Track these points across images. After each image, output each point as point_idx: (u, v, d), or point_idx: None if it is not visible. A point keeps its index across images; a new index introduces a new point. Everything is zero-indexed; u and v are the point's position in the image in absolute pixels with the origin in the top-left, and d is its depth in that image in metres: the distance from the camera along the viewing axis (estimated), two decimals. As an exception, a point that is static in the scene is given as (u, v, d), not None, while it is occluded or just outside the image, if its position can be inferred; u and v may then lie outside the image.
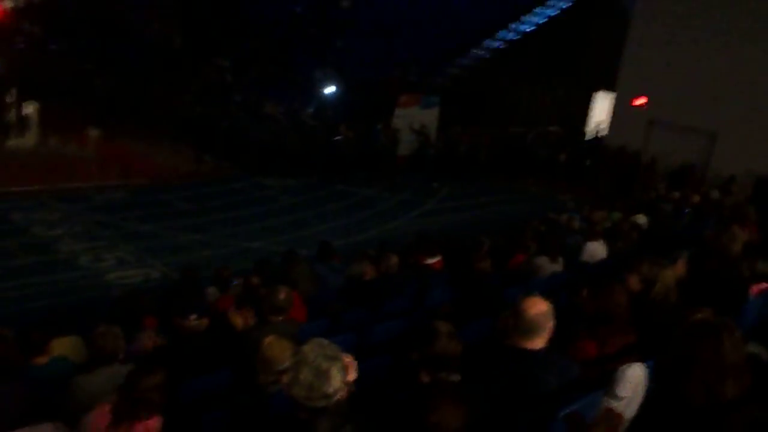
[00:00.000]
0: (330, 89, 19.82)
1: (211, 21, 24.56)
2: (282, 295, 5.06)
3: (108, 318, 6.03)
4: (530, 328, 3.10)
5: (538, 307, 3.14)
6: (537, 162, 19.32)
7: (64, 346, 5.27)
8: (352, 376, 2.66)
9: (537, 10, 23.49)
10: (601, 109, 21.64)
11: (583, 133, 21.91)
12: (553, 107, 24.39)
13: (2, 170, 14.15)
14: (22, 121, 18.39)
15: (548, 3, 23.59)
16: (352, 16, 24.42)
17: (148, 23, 24.75)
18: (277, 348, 3.86)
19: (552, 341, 3.30)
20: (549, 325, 3.14)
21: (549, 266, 7.55)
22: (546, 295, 5.46)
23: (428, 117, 19.14)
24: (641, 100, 18.04)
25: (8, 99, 19.26)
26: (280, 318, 4.97)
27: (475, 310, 5.74)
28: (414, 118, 18.75)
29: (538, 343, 3.11)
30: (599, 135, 20.72)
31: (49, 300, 9.05)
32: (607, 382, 3.20)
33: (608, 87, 20.39)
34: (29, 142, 17.27)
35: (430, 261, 8.11)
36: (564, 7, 23.45)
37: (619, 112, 19.03)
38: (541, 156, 19.51)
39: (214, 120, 17.68)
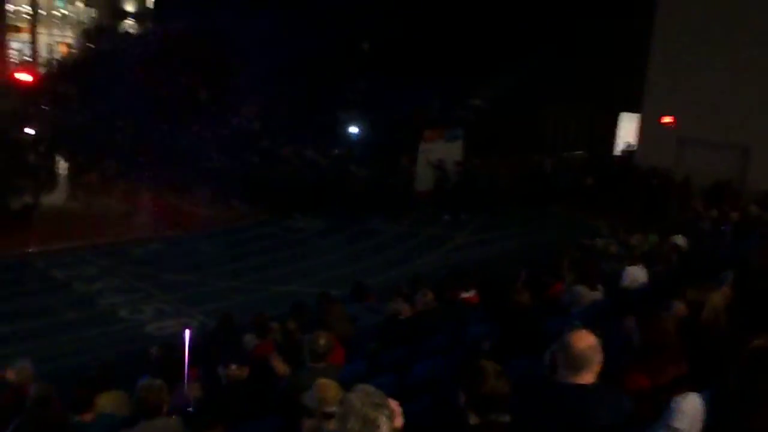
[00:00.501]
0: (355, 129, 20.01)
1: (235, 71, 25.13)
2: (322, 341, 5.02)
3: (150, 371, 6.06)
4: (579, 363, 3.01)
5: (586, 341, 3.05)
6: (561, 188, 19.19)
7: (109, 402, 5.29)
8: (398, 422, 2.62)
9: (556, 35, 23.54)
10: (628, 130, 21.49)
11: (610, 156, 21.73)
12: (578, 131, 24.30)
13: (42, 228, 14.46)
14: (58, 179, 18.86)
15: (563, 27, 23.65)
16: (373, 56, 24.81)
17: (174, 79, 25.38)
18: (332, 390, 3.84)
19: (600, 373, 3.22)
20: (598, 358, 3.05)
21: (589, 295, 7.39)
22: (588, 324, 5.36)
23: (453, 150, 19.14)
24: (669, 119, 17.87)
25: (44, 157, 19.83)
26: (321, 364, 4.93)
27: (516, 345, 5.64)
28: (439, 152, 18.76)
29: (588, 377, 3.02)
30: (628, 155, 20.54)
31: (92, 354, 9.12)
32: (661, 414, 3.09)
33: (633, 107, 20.27)
34: (65, 199, 17.65)
35: (466, 295, 8.03)
36: (580, 30, 23.48)
37: (647, 132, 18.88)
38: (563, 182, 19.38)
39: (241, 167, 17.93)
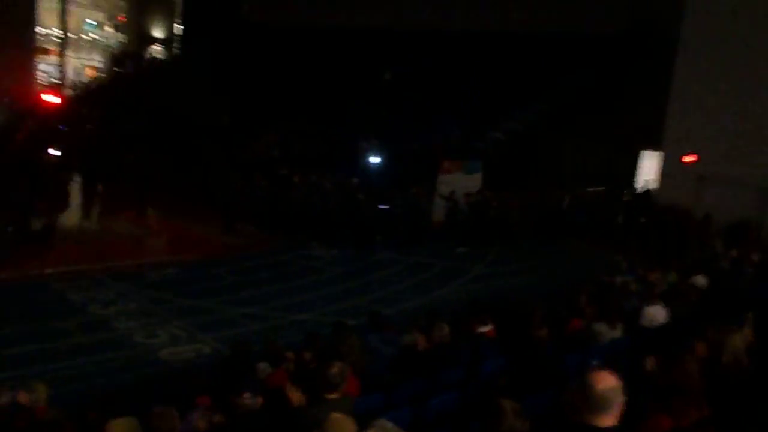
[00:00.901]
0: (374, 159, 20.09)
1: (258, 98, 25.47)
2: (335, 371, 4.97)
3: (162, 397, 6.03)
4: (600, 405, 2.92)
5: (607, 382, 2.97)
6: (577, 224, 19.09)
7: (120, 429, 5.24)
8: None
9: (577, 72, 23.62)
10: (649, 167, 21.40)
11: (630, 193, 21.62)
12: (598, 167, 24.19)
13: (59, 251, 14.59)
14: (77, 201, 19.08)
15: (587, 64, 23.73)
16: (395, 86, 25.04)
17: (197, 103, 25.77)
18: (346, 425, 3.79)
19: (621, 415, 3.14)
20: (620, 400, 2.97)
21: (608, 332, 7.31)
22: (608, 363, 5.27)
23: (471, 182, 19.13)
24: (691, 157, 17.78)
25: (65, 179, 20.09)
26: (335, 395, 4.87)
27: (533, 381, 5.56)
28: (457, 184, 18.75)
29: (609, 420, 2.93)
30: (647, 191, 20.43)
31: (105, 378, 9.12)
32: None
33: (654, 144, 20.20)
34: (83, 221, 17.83)
35: (483, 329, 7.95)
36: (601, 67, 23.55)
37: (667, 169, 18.76)
38: (581, 217, 19.29)
39: (260, 193, 18.03)
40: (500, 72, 23.86)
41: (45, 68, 38.30)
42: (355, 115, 23.45)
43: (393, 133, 21.76)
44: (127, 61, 35.27)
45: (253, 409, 4.91)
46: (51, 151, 20.91)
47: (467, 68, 24.59)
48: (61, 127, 25.41)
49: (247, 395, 4.95)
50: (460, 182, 18.88)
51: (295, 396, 5.17)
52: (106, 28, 43.31)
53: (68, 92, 34.33)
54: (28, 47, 34.00)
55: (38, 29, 35.61)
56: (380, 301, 12.88)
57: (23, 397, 5.78)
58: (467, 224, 18.22)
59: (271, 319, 11.90)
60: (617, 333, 7.42)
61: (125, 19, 40.28)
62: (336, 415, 3.79)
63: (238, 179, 18.34)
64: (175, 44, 37.99)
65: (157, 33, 38.48)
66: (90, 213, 18.63)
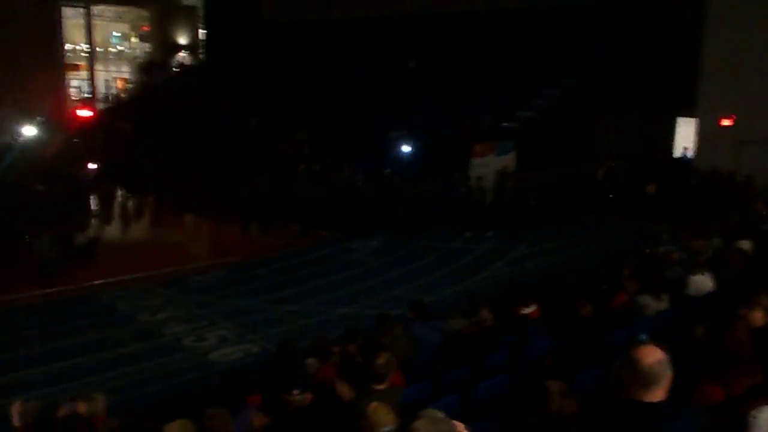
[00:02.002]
0: (405, 148, 20.07)
1: (285, 97, 25.62)
2: (381, 361, 5.01)
3: (213, 399, 6.14)
4: (648, 380, 2.88)
5: (654, 356, 2.93)
6: (616, 196, 18.79)
7: (176, 431, 5.36)
8: (467, 446, 2.58)
9: (603, 41, 23.16)
10: (686, 134, 20.94)
11: (667, 161, 21.20)
12: (633, 137, 23.78)
13: (105, 263, 14.93)
14: (118, 212, 19.50)
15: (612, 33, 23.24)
16: (420, 73, 24.91)
17: (226, 108, 26.04)
18: (382, 412, 3.83)
19: (672, 387, 3.10)
20: (668, 374, 2.93)
21: (654, 304, 7.19)
22: (656, 335, 5.21)
23: (505, 163, 18.98)
24: (728, 121, 17.36)
25: (105, 192, 20.56)
26: (383, 386, 4.91)
27: (580, 359, 5.52)
28: (490, 167, 18.63)
29: (659, 394, 2.89)
30: (686, 158, 20.03)
31: (158, 384, 9.33)
32: (738, 428, 2.97)
33: (689, 110, 19.76)
34: (126, 231, 18.21)
35: (527, 311, 7.90)
36: (629, 35, 23.05)
37: (704, 135, 18.35)
38: (618, 190, 18.97)
39: (294, 191, 18.17)
40: (526, 50, 23.55)
41: (76, 83, 39.20)
42: (383, 106, 23.42)
43: (422, 121, 21.68)
44: (154, 70, 35.79)
45: (304, 406, 4.97)
46: (89, 165, 21.40)
47: (492, 49, 24.31)
48: (98, 141, 25.93)
49: (296, 392, 5.02)
50: (493, 164, 18.74)
51: (345, 390, 5.22)
52: (132, 39, 44.08)
53: (100, 105, 35.02)
54: (58, 64, 34.79)
55: (66, 46, 36.40)
56: (422, 289, 12.90)
57: (82, 408, 5.94)
58: (481, 207, 17.97)
59: (316, 315, 12.02)
60: (663, 304, 7.31)
61: (149, 29, 40.87)
62: (375, 404, 3.82)
63: (268, 179, 18.49)
64: (200, 50, 38.41)
65: (182, 40, 38.94)
66: (131, 223, 19.01)
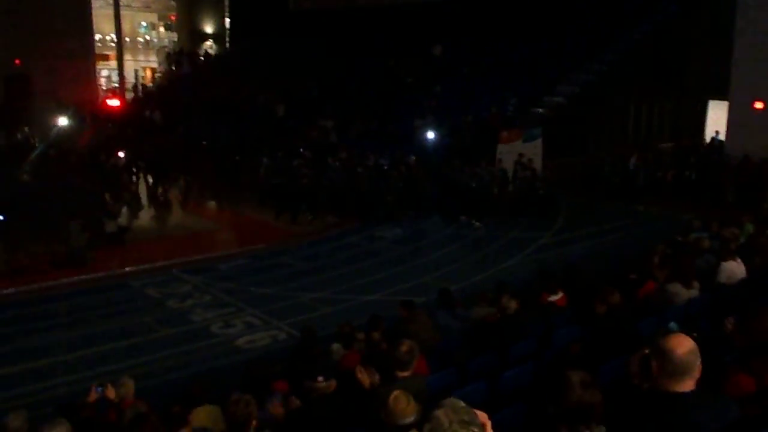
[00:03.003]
0: (431, 135, 19.95)
1: (311, 87, 25.62)
2: (405, 348, 4.98)
3: (240, 385, 6.20)
4: (680, 371, 2.80)
5: (686, 346, 2.85)
6: (646, 183, 18.51)
7: (203, 417, 5.43)
8: (488, 435, 2.53)
9: (634, 26, 22.74)
10: (717, 118, 20.53)
11: (699, 146, 20.82)
12: (664, 122, 23.41)
13: (134, 250, 15.14)
14: (148, 200, 19.74)
15: (645, 17, 22.79)
16: (446, 60, 24.72)
17: (253, 98, 26.14)
18: (403, 402, 3.81)
19: (701, 378, 3.03)
20: (698, 363, 2.86)
21: (684, 293, 7.07)
22: (686, 324, 5.12)
23: (532, 150, 18.76)
24: (761, 104, 16.97)
25: (134, 180, 20.83)
26: (407, 373, 4.89)
27: (607, 349, 5.45)
28: (517, 153, 18.43)
29: (689, 384, 2.82)
30: (718, 143, 19.64)
31: (186, 370, 9.45)
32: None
33: (720, 94, 19.36)
34: (155, 219, 18.43)
35: (554, 298, 7.83)
36: (661, 19, 22.58)
37: (736, 119, 17.96)
38: (648, 176, 18.67)
39: (319, 178, 18.20)
40: (554, 35, 23.23)
41: (105, 73, 39.69)
42: (408, 93, 23.31)
43: (448, 108, 21.54)
44: (182, 59, 36.04)
45: (328, 392, 4.99)
46: (119, 153, 21.66)
47: (519, 34, 24.02)
48: (127, 130, 26.24)
49: (320, 379, 5.03)
50: (520, 151, 18.54)
51: (366, 378, 5.22)
52: (160, 29, 44.43)
53: (129, 95, 35.41)
54: (89, 55, 35.25)
55: (96, 36, 36.86)
56: (447, 277, 12.86)
57: (111, 393, 6.04)
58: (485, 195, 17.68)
59: (341, 302, 12.06)
60: (694, 292, 7.18)
61: (177, 19, 41.13)
62: (396, 393, 3.80)
63: (295, 167, 18.55)
64: (226, 39, 38.57)
65: (209, 29, 39.11)
66: (160, 210, 19.23)
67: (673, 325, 5.38)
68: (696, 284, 7.31)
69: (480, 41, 24.76)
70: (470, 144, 19.51)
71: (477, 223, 16.76)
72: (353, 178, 18.11)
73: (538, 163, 18.71)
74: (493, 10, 25.54)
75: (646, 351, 2.97)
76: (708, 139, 20.92)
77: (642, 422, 2.81)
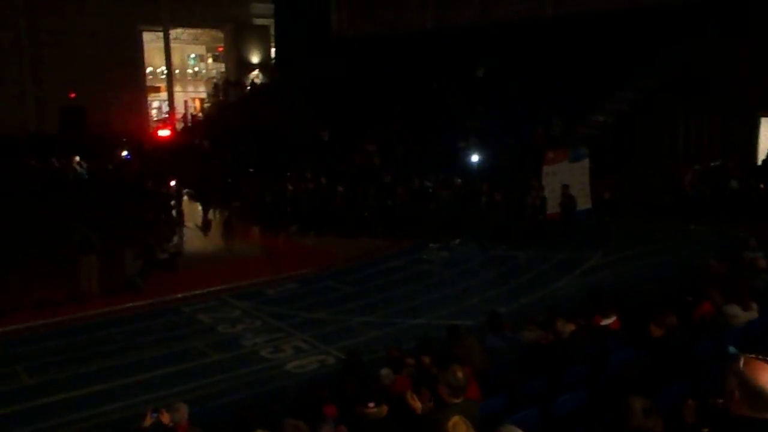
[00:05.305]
0: (475, 156, 19.92)
1: (355, 109, 25.91)
2: (459, 374, 4.95)
3: (291, 410, 6.23)
4: (764, 398, 2.75)
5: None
6: (700, 201, 18.07)
7: (255, 442, 5.46)
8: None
9: (681, 42, 22.35)
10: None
11: (752, 162, 20.27)
12: (715, 139, 22.88)
13: (185, 276, 15.43)
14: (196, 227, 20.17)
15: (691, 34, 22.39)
16: (489, 81, 24.72)
17: (299, 125, 26.55)
18: (462, 428, 3.79)
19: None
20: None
21: (742, 315, 6.86)
22: (745, 348, 4.95)
23: (578, 170, 18.51)
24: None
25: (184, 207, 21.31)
26: (459, 399, 4.86)
27: (665, 372, 5.32)
28: (563, 174, 18.18)
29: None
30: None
31: (237, 394, 9.53)
32: None
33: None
34: (204, 245, 18.78)
35: (606, 322, 7.68)
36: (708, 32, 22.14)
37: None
38: (703, 195, 18.23)
39: (364, 202, 18.33)
40: (598, 54, 23.01)
41: (156, 104, 40.95)
42: (451, 116, 23.35)
43: (492, 130, 21.48)
44: (229, 88, 36.90)
45: (380, 418, 4.97)
46: (170, 181, 22.23)
47: (562, 55, 23.88)
48: (178, 159, 26.91)
49: (371, 404, 5.02)
50: (566, 171, 18.30)
51: (417, 403, 5.19)
52: (208, 60, 45.63)
53: (179, 125, 36.42)
54: (140, 87, 36.50)
55: (147, 69, 38.14)
56: (496, 300, 12.73)
57: (166, 418, 6.15)
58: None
59: (389, 326, 12.04)
60: (753, 314, 6.96)
61: (224, 50, 42.19)
62: (456, 419, 3.78)
63: (342, 192, 18.74)
64: (272, 68, 39.36)
65: (255, 59, 39.96)
66: (210, 236, 19.60)
67: (731, 348, 5.22)
68: (754, 305, 7.10)
69: (523, 62, 24.69)
70: (511, 166, 19.39)
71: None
72: (393, 198, 18.19)
73: (585, 183, 18.45)
74: (534, 32, 25.49)
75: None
76: (763, 155, 20.34)
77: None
